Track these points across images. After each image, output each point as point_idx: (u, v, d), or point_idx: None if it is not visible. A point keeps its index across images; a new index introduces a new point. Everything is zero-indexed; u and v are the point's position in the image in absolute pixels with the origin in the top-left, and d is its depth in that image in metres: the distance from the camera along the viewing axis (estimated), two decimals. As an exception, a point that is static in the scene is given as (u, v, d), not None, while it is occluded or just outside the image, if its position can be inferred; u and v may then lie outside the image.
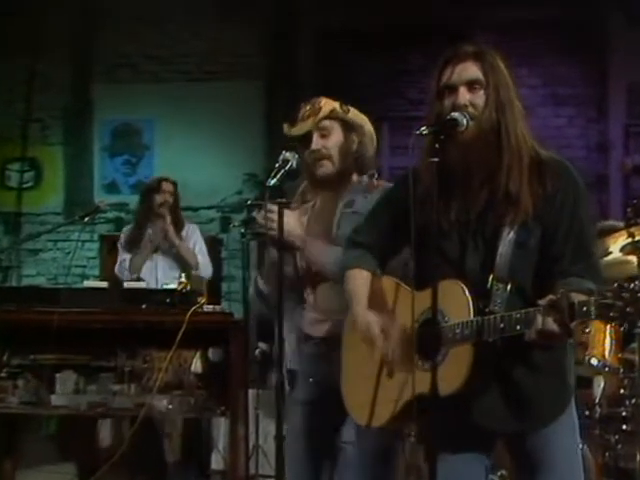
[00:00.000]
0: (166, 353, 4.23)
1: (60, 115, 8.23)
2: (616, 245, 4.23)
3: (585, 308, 2.14)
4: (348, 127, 3.07)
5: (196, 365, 4.36)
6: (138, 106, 8.04)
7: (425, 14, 7.68)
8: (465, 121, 2.37)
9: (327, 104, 3.07)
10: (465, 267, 2.45)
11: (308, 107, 3.07)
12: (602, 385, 4.11)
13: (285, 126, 3.12)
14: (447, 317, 2.39)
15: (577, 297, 2.18)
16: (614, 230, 4.37)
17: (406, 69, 7.89)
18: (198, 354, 4.35)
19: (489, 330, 2.30)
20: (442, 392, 2.30)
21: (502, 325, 2.28)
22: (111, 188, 8.17)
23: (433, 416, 2.29)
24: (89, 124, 8.20)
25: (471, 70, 2.44)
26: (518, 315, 2.26)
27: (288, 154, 2.89)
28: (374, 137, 3.15)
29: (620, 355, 4.13)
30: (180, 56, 8.13)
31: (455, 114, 2.38)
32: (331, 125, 3.05)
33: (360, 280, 2.65)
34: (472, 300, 2.36)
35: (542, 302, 2.21)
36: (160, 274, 5.68)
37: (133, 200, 6.85)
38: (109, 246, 7.49)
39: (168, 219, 5.74)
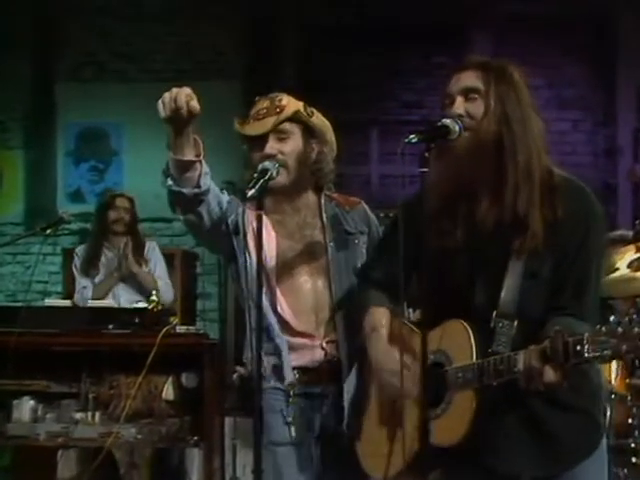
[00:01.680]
0: (135, 378, 4.23)
1: (20, 117, 8.20)
2: (623, 261, 4.23)
3: (579, 347, 2.14)
4: (309, 133, 2.99)
5: (168, 391, 4.36)
6: (106, 108, 8.02)
7: (420, 9, 7.69)
8: (457, 128, 2.37)
9: (291, 104, 2.97)
10: (474, 301, 2.45)
11: (266, 103, 2.98)
12: (609, 414, 4.06)
13: (236, 123, 3.02)
14: (451, 360, 2.40)
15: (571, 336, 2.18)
16: (623, 241, 4.39)
17: (399, 69, 7.91)
18: (170, 379, 4.35)
19: (488, 373, 2.30)
20: (444, 442, 2.32)
21: (502, 367, 2.28)
22: (76, 197, 8.14)
23: (447, 467, 2.32)
24: (52, 127, 8.17)
25: (469, 78, 2.45)
26: (515, 355, 2.26)
27: (267, 163, 2.86)
28: (335, 148, 3.07)
29: (628, 381, 4.12)
30: (151, 54, 8.13)
31: (447, 121, 2.38)
32: (291, 128, 2.96)
33: (379, 315, 2.65)
34: (476, 340, 2.36)
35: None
36: (122, 299, 5.65)
37: (100, 210, 6.81)
38: (73, 260, 7.46)
39: (129, 243, 5.74)
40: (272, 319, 2.94)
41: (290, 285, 2.95)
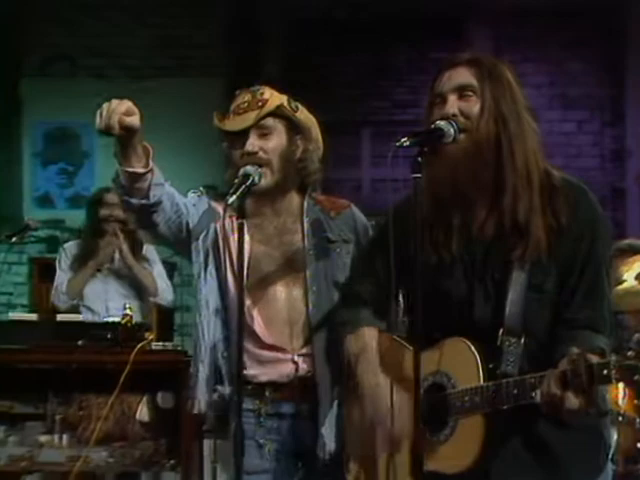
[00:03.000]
0: (107, 398, 4.20)
1: (-17, 116, 8.20)
2: (630, 272, 4.23)
3: (605, 371, 2.13)
4: (294, 129, 2.96)
5: (142, 412, 4.35)
6: (76, 106, 7.96)
7: (415, 0, 7.73)
8: (452, 131, 2.37)
9: (274, 97, 2.95)
10: (474, 316, 2.44)
11: (247, 97, 2.95)
12: (616, 438, 4.04)
13: (215, 117, 2.99)
14: (454, 381, 2.39)
15: (595, 358, 2.17)
16: (632, 250, 4.39)
17: (391, 65, 7.94)
18: (145, 399, 4.35)
19: (501, 397, 2.29)
20: (450, 470, 2.31)
21: (516, 391, 2.27)
22: (44, 202, 8.12)
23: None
24: (18, 126, 8.17)
25: (462, 75, 2.45)
26: (532, 380, 2.26)
27: (249, 168, 2.84)
28: (320, 146, 3.05)
29: (636, 402, 4.13)
30: (125, 48, 8.13)
31: (441, 123, 2.38)
32: (274, 124, 2.94)
33: (368, 337, 2.64)
34: (482, 361, 2.35)
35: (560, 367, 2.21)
36: (111, 303, 5.61)
37: (70, 216, 6.81)
38: (41, 270, 7.45)
39: (120, 236, 5.68)
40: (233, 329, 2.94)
41: (263, 294, 2.93)
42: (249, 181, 2.79)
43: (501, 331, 2.37)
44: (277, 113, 2.95)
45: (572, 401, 2.18)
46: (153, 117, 8.67)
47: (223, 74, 7.89)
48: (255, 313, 2.93)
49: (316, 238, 2.99)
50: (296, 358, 2.94)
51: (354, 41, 7.78)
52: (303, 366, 2.92)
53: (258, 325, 2.92)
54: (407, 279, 2.37)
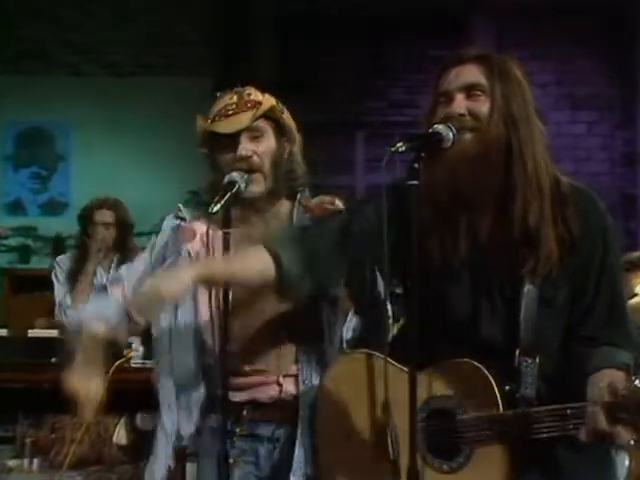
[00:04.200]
0: (81, 421, 4.16)
1: (-49, 115, 8.21)
2: (642, 285, 4.26)
3: None
4: (281, 131, 2.98)
5: (120, 434, 4.36)
6: (51, 106, 8.01)
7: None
8: (451, 135, 2.34)
9: (266, 99, 2.95)
10: (480, 333, 2.42)
11: (234, 98, 2.95)
12: (627, 464, 4.08)
13: (200, 119, 2.96)
14: (463, 406, 2.37)
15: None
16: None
17: (387, 64, 7.95)
18: (123, 421, 4.36)
19: (532, 428, 2.27)
20: None
21: (551, 423, 2.25)
22: (15, 208, 8.11)
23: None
24: (-12, 127, 8.20)
25: (470, 73, 2.43)
26: (570, 411, 2.23)
27: (235, 174, 2.81)
28: (300, 147, 3.05)
29: (650, 427, 4.13)
30: (107, 44, 8.14)
31: (439, 126, 2.35)
32: (265, 126, 2.94)
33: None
34: (497, 384, 2.32)
35: (595, 393, 2.19)
36: None
37: (43, 223, 6.80)
38: (12, 282, 7.39)
39: (114, 261, 5.70)
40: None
41: (245, 314, 2.93)
42: (235, 188, 2.78)
43: (518, 351, 2.36)
44: (269, 115, 2.95)
45: (623, 436, 2.15)
46: (136, 118, 8.71)
47: (212, 73, 7.90)
48: (237, 335, 2.91)
49: None
50: (281, 380, 2.91)
51: (347, 38, 7.80)
52: (288, 387, 2.90)
53: (239, 351, 2.89)
54: (405, 275, 2.37)
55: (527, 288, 2.37)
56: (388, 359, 2.51)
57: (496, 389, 2.32)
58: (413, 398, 2.23)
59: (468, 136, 2.38)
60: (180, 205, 3.11)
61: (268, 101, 2.94)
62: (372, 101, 7.99)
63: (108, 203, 5.81)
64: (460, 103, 2.41)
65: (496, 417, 2.32)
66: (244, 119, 2.90)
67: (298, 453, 2.84)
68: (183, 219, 3.08)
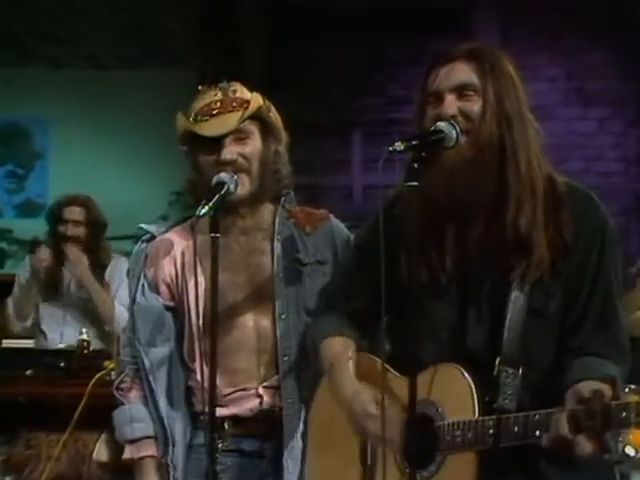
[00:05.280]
0: (59, 436, 4.20)
1: None
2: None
3: (624, 414, 2.10)
4: (267, 131, 2.99)
5: (100, 451, 4.32)
6: (28, 100, 8.02)
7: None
8: (454, 133, 2.36)
9: (255, 98, 2.96)
10: (466, 342, 2.44)
11: (218, 95, 2.95)
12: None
13: (181, 119, 2.97)
14: (443, 412, 2.39)
15: (608, 391, 2.15)
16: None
17: (385, 58, 7.96)
18: (103, 437, 4.32)
19: (499, 435, 2.28)
20: None
21: (516, 429, 2.26)
22: (-11, 209, 8.20)
23: None
24: (-40, 123, 8.20)
25: (461, 72, 2.44)
26: (537, 417, 2.23)
27: (224, 175, 2.82)
28: (287, 146, 3.07)
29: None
30: (86, 36, 8.10)
31: (441, 124, 2.37)
32: (251, 127, 2.95)
33: (343, 346, 2.64)
34: (476, 391, 2.35)
35: (569, 402, 2.20)
36: (68, 329, 5.58)
37: (19, 225, 6.80)
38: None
39: (84, 260, 5.68)
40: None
41: (223, 332, 2.91)
42: (224, 190, 2.77)
43: (498, 360, 2.37)
44: (255, 115, 2.95)
45: (584, 446, 2.15)
46: (118, 112, 8.70)
47: (198, 67, 7.90)
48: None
49: (287, 260, 3.00)
50: (261, 391, 2.94)
51: (343, 32, 7.80)
52: (268, 400, 2.93)
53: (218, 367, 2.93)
54: (395, 297, 2.36)
55: (514, 295, 2.39)
56: (377, 359, 2.56)
57: (475, 396, 2.34)
58: (412, 404, 2.25)
59: (461, 139, 2.39)
60: (142, 225, 3.13)
61: (256, 101, 2.95)
62: (369, 98, 8.01)
63: (78, 199, 5.80)
64: (451, 104, 2.42)
65: (467, 424, 2.33)
66: (231, 121, 2.91)
67: (286, 468, 2.87)
68: (150, 240, 3.09)
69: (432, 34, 7.37)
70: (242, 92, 2.97)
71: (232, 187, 2.82)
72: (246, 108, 2.92)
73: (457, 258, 2.45)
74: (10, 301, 5.68)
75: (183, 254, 3.01)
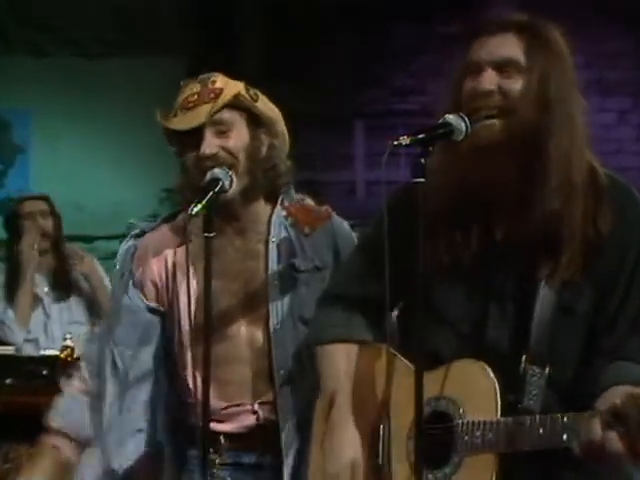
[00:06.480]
0: None
1: None
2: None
3: None
4: (256, 122, 2.96)
5: (85, 465, 4.32)
6: (8, 90, 8.00)
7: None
8: (464, 126, 2.34)
9: (229, 86, 2.93)
10: (487, 339, 2.43)
11: (196, 88, 2.94)
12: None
13: (159, 115, 2.96)
14: (463, 411, 2.39)
15: None
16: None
17: (388, 47, 7.94)
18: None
19: (523, 437, 2.28)
20: None
21: (541, 431, 2.25)
22: (-35, 207, 8.16)
23: None
24: None
25: (508, 46, 2.41)
26: (565, 419, 2.23)
27: (218, 170, 2.82)
28: (287, 141, 3.05)
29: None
30: (72, 21, 8.11)
31: (450, 117, 2.35)
32: (232, 118, 2.92)
33: (341, 365, 2.64)
34: (500, 389, 2.34)
35: (602, 406, 2.20)
36: (57, 331, 5.55)
37: (-2, 224, 6.77)
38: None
39: (49, 255, 5.69)
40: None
41: (215, 340, 2.89)
42: (218, 187, 2.77)
43: (524, 357, 2.37)
44: (235, 104, 2.94)
45: (614, 444, 2.15)
46: (104, 105, 8.67)
47: (189, 55, 7.92)
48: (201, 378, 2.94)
49: (282, 265, 2.99)
50: (256, 407, 2.96)
51: (345, 18, 7.82)
52: (265, 415, 2.95)
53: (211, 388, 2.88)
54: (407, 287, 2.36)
55: (543, 292, 2.38)
56: (397, 353, 2.56)
57: (499, 395, 2.34)
58: (419, 403, 2.26)
59: (492, 122, 2.38)
60: (132, 221, 3.12)
61: (231, 89, 2.93)
62: (372, 88, 8.01)
63: (37, 195, 5.86)
64: (491, 78, 2.40)
65: (488, 424, 2.33)
66: (202, 112, 2.89)
67: (286, 477, 2.89)
68: (139, 235, 3.09)
69: (439, 18, 7.39)
70: (221, 82, 2.95)
71: (227, 184, 2.82)
72: (217, 98, 2.91)
73: (478, 250, 2.45)
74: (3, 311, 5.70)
75: (175, 254, 3.01)
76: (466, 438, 2.36)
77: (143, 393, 2.98)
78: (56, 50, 8.15)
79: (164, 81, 7.67)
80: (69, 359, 4.39)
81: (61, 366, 4.34)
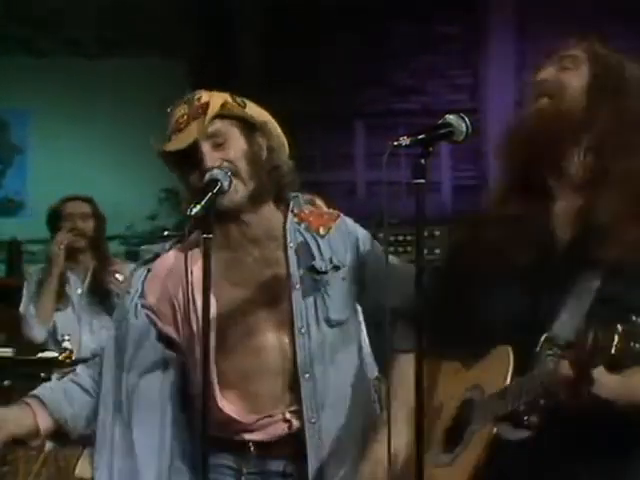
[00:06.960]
0: (38, 451, 4.21)
1: None
2: None
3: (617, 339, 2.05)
4: (249, 127, 2.98)
5: (82, 468, 4.30)
6: (6, 90, 8.01)
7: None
8: (464, 127, 2.35)
9: (214, 97, 2.94)
10: (543, 329, 2.39)
11: (183, 109, 2.94)
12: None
13: (152, 142, 2.97)
14: (484, 394, 2.40)
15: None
16: None
17: (388, 47, 7.95)
18: (86, 452, 4.28)
19: (512, 396, 2.30)
20: None
21: (527, 387, 2.26)
22: (-37, 208, 8.20)
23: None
24: None
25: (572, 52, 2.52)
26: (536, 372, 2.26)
27: (216, 171, 2.80)
28: (285, 142, 3.07)
29: None
30: (69, 20, 8.13)
31: (451, 117, 2.36)
32: (225, 127, 2.94)
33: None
34: (514, 367, 2.35)
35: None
36: (86, 335, 5.56)
37: (-2, 225, 6.79)
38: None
39: (87, 256, 5.70)
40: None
41: (243, 353, 2.92)
42: (217, 187, 2.76)
43: (544, 336, 2.34)
44: (224, 113, 2.94)
45: (566, 369, 2.16)
46: (102, 105, 8.65)
47: (187, 55, 7.93)
48: (226, 395, 2.93)
49: (302, 269, 2.99)
50: (288, 416, 2.95)
51: (344, 18, 7.83)
52: (296, 423, 2.94)
53: (230, 410, 2.92)
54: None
55: (584, 277, 2.37)
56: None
57: (510, 371, 2.34)
58: (420, 403, 2.27)
59: (545, 101, 2.47)
60: (144, 247, 3.12)
61: (218, 99, 2.95)
62: (372, 88, 8.01)
63: (81, 197, 5.85)
64: (549, 72, 2.51)
65: (492, 396, 2.36)
66: (194, 128, 2.90)
67: None
68: (151, 260, 3.09)
69: (439, 18, 7.39)
70: (206, 96, 2.97)
71: (226, 184, 2.80)
72: (205, 112, 2.92)
73: (536, 243, 2.46)
74: (25, 303, 5.70)
75: (191, 273, 2.98)
76: (480, 413, 2.39)
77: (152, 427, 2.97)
78: (55, 50, 8.15)
79: (164, 81, 7.73)
80: (67, 362, 4.38)
81: (58, 369, 4.33)
